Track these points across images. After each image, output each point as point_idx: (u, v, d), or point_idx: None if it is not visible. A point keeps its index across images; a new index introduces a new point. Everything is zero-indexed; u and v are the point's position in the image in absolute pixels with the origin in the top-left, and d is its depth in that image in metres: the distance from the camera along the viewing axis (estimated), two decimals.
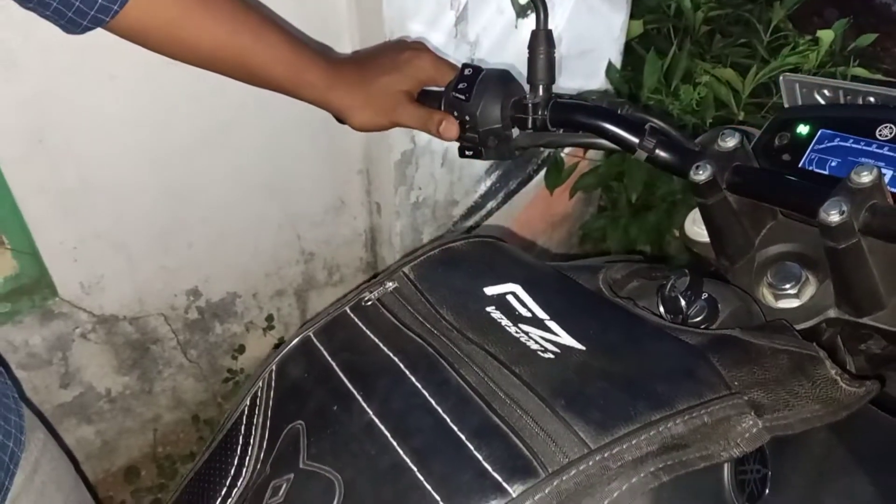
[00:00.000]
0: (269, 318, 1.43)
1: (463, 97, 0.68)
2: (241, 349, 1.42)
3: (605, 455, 0.40)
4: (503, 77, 0.69)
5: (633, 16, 1.40)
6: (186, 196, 1.17)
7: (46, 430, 0.70)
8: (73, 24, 0.60)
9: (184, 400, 1.42)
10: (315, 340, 0.53)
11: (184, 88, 1.04)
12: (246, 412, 0.53)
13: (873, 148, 0.60)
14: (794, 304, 0.59)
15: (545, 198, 1.49)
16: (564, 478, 0.39)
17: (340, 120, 0.75)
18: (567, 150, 1.44)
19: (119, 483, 1.39)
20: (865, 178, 0.50)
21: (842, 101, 0.67)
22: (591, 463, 0.40)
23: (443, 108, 0.70)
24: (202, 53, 0.65)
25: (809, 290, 0.59)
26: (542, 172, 1.47)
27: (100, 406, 1.31)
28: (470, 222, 1.43)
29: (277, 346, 0.55)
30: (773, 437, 0.44)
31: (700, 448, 0.42)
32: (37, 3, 0.58)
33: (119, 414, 1.34)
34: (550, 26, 0.67)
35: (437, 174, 1.30)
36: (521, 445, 0.41)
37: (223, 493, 0.51)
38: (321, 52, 0.70)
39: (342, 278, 1.47)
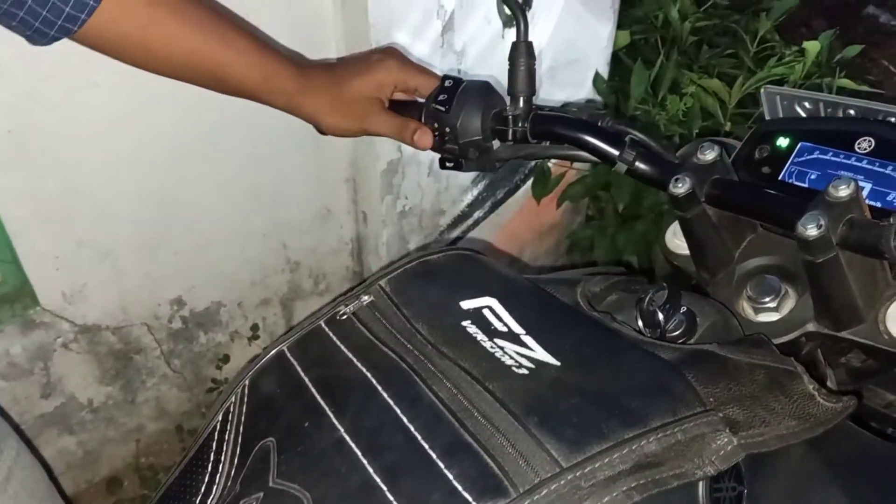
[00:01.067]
0: (255, 327, 1.42)
1: (443, 108, 0.68)
2: (226, 359, 1.41)
3: (577, 474, 0.40)
4: (484, 89, 0.69)
5: (620, 26, 1.40)
6: (171, 204, 1.17)
7: (19, 439, 0.69)
8: (40, 34, 0.59)
9: (167, 410, 1.40)
10: (288, 355, 0.53)
11: (169, 95, 1.03)
12: (218, 427, 0.52)
13: (852, 161, 0.60)
14: (773, 317, 0.59)
15: (532, 207, 1.49)
16: (535, 497, 0.39)
17: (320, 130, 0.74)
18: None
19: (101, 494, 1.38)
20: (843, 191, 0.50)
21: (822, 113, 0.67)
22: (562, 482, 0.39)
23: (423, 119, 0.69)
24: (172, 62, 0.65)
25: (789, 304, 0.59)
26: (530, 182, 1.47)
27: (82, 416, 1.29)
28: (457, 232, 1.42)
29: (254, 360, 0.54)
30: (748, 453, 0.44)
31: (674, 466, 0.42)
32: (2, 14, 0.57)
33: (101, 424, 1.33)
34: (537, 36, 0.66)
35: (424, 183, 1.29)
36: (492, 464, 0.41)
37: None
38: (291, 58, 0.70)
39: (328, 287, 1.47)
